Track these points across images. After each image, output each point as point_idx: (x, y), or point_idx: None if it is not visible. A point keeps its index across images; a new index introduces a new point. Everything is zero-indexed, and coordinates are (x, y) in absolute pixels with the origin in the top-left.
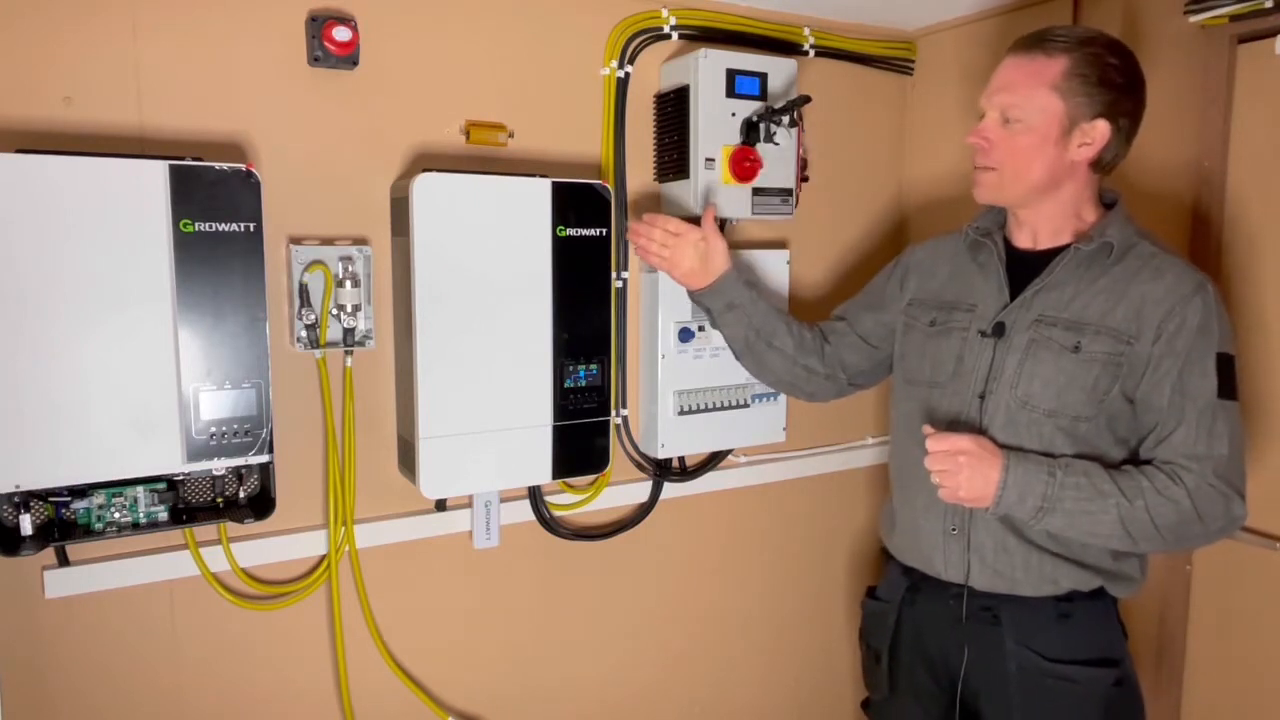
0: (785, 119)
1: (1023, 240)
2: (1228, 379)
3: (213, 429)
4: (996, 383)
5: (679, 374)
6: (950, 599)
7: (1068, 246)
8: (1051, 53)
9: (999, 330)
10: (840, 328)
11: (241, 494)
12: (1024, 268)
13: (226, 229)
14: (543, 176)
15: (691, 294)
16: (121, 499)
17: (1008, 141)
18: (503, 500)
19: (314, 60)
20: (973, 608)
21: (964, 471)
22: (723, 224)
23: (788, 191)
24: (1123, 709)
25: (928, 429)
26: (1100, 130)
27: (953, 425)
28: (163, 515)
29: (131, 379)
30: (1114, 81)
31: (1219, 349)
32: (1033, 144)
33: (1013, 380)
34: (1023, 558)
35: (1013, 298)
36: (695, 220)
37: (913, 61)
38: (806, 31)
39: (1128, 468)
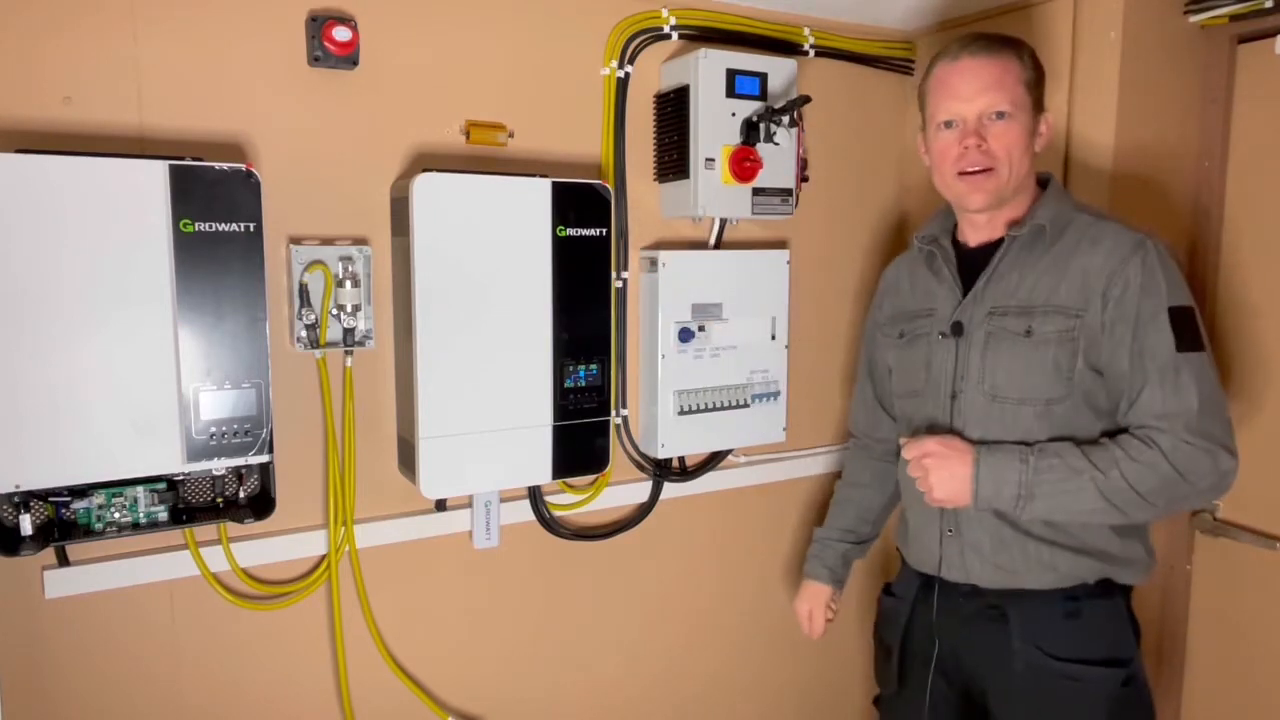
0: (785, 119)
1: (977, 236)
2: (1186, 331)
3: (213, 429)
4: (965, 381)
5: (679, 374)
6: (960, 597)
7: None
8: (1016, 52)
9: (957, 329)
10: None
11: (241, 494)
12: (975, 264)
13: (226, 229)
14: (543, 176)
15: None
16: (121, 499)
17: (1002, 136)
18: (503, 500)
19: (314, 60)
20: (980, 606)
21: (932, 473)
22: (722, 224)
23: (788, 191)
24: (1130, 709)
25: (903, 439)
26: (1048, 121)
27: (931, 430)
28: (163, 515)
29: (131, 379)
30: (1043, 78)
31: (1170, 303)
32: (1024, 136)
33: (979, 376)
34: (1020, 548)
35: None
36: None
37: (913, 61)
38: (806, 31)
39: (1102, 440)
